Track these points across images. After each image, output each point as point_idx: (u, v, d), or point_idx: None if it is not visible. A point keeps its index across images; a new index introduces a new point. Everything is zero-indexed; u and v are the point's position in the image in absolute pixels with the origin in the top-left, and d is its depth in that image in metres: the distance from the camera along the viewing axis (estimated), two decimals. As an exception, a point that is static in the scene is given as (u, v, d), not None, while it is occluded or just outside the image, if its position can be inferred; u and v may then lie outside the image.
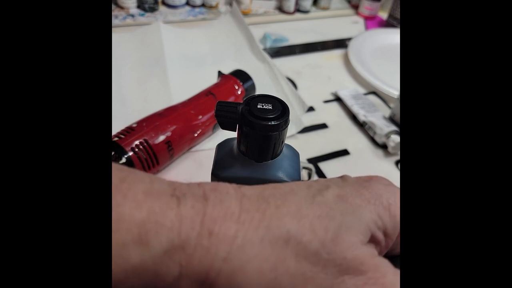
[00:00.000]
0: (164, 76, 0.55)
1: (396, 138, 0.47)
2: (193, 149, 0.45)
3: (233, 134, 0.25)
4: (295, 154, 0.26)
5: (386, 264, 0.17)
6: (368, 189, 0.19)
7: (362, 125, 0.52)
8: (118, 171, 0.16)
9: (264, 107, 0.23)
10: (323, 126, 0.52)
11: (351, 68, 0.64)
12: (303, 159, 0.46)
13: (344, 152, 0.48)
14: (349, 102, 0.54)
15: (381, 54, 0.68)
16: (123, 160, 0.36)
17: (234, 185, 0.19)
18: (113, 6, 0.74)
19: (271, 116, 0.22)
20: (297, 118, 0.50)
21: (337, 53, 0.70)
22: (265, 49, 0.66)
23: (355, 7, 0.87)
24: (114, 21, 0.69)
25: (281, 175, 0.24)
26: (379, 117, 0.51)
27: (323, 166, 0.46)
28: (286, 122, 0.23)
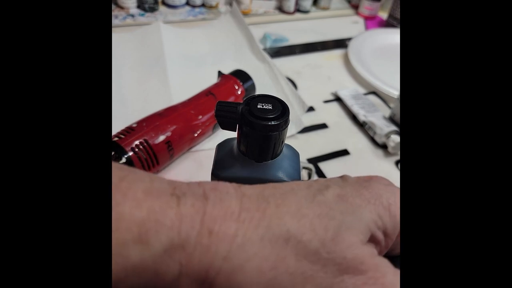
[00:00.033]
0: (164, 76, 0.55)
1: (396, 138, 0.47)
2: (193, 149, 0.45)
3: (233, 134, 0.25)
4: (295, 154, 0.26)
5: (386, 264, 0.18)
6: (368, 189, 0.19)
7: (362, 125, 0.52)
8: (118, 170, 0.16)
9: (264, 107, 0.23)
10: (323, 126, 0.52)
11: (351, 68, 0.64)
12: (303, 159, 0.46)
13: (344, 152, 0.48)
14: (349, 102, 0.54)
15: (381, 54, 0.68)
16: (123, 160, 0.36)
17: (234, 184, 0.19)
18: (113, 6, 0.74)
19: (271, 116, 0.22)
20: (297, 118, 0.50)
21: (337, 53, 0.70)
22: (265, 49, 0.66)
23: (355, 7, 0.87)
24: (114, 21, 0.69)
25: (281, 175, 0.24)
26: (379, 117, 0.51)
27: (323, 166, 0.46)
28: (286, 122, 0.23)
